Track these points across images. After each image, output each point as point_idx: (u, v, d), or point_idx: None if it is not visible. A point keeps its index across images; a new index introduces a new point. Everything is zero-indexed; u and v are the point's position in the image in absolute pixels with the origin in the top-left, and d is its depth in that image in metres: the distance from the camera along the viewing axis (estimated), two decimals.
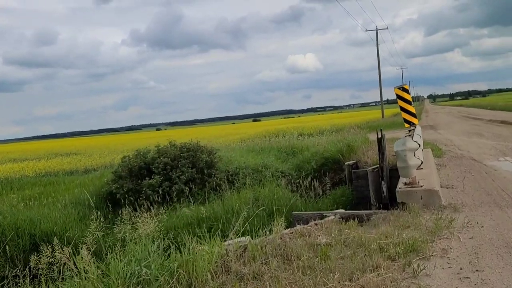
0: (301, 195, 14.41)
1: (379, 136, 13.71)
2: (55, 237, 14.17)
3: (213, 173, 16.37)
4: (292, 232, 5.97)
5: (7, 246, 11.90)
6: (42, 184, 20.48)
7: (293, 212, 7.15)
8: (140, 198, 15.19)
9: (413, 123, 12.81)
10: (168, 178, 15.86)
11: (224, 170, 16.82)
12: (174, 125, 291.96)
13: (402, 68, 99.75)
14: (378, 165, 11.98)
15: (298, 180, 15.75)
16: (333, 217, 6.82)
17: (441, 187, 8.55)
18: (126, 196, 15.59)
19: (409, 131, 11.52)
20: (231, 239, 5.69)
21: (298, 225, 6.29)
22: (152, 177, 15.82)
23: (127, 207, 14.72)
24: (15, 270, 7.53)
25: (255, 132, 39.23)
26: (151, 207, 13.90)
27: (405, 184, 7.09)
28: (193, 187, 15.93)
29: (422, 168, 8.51)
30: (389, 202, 9.01)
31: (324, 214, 6.97)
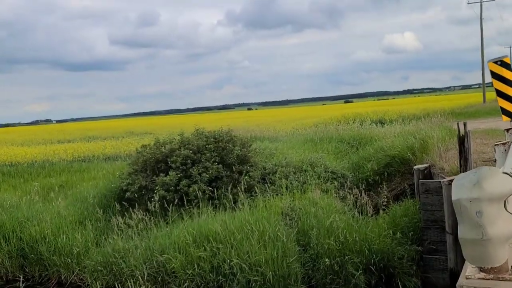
0: (352, 206, 10.69)
1: (461, 132, 9.49)
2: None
3: (245, 171, 12.97)
4: None
5: None
6: (72, 171, 18.29)
7: None
8: (153, 199, 12.28)
9: None
10: (187, 175, 12.71)
11: (261, 168, 13.35)
12: (266, 105, 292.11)
13: (510, 47, 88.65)
14: None
15: (350, 185, 11.95)
16: None
17: None
18: (136, 195, 12.75)
19: (507, 130, 7.26)
20: None
21: None
22: (169, 173, 12.76)
23: (134, 208, 11.97)
24: None
25: (329, 116, 35.07)
26: (147, 212, 10.97)
27: (481, 270, 3.16)
28: (222, 187, 12.69)
29: None
30: None
31: None
